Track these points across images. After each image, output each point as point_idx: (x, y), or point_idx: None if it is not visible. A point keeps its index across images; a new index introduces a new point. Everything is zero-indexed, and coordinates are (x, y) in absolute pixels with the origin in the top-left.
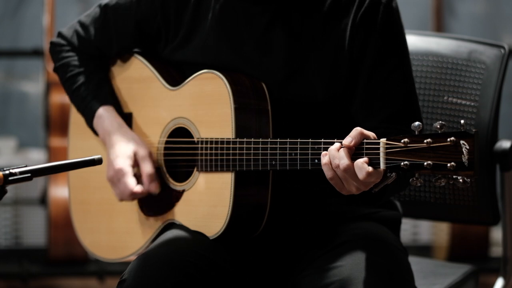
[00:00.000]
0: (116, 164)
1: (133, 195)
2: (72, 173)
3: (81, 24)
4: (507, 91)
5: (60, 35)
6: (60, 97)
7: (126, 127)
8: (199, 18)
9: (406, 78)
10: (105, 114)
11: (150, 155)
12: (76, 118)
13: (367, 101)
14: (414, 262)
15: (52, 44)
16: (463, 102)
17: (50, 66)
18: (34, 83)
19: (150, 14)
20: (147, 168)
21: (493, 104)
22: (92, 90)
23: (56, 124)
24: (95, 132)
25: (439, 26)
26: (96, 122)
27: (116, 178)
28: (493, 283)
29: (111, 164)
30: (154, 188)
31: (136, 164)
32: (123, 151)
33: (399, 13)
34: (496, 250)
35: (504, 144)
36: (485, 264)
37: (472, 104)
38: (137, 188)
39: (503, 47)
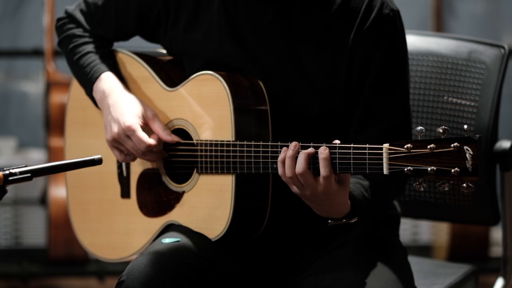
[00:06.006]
0: (124, 120)
1: (148, 148)
2: (70, 173)
3: (85, 1)
4: (507, 91)
5: (65, 12)
6: (60, 97)
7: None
8: (201, 9)
9: (406, 94)
10: (111, 78)
11: (158, 115)
12: (72, 117)
13: (366, 114)
14: (414, 262)
15: (58, 20)
16: (463, 102)
17: (50, 66)
18: (34, 83)
19: (151, 1)
20: (159, 125)
21: (493, 104)
22: (99, 58)
23: (56, 124)
24: (92, 100)
25: (439, 26)
26: (98, 84)
27: (123, 135)
28: (493, 283)
29: (115, 121)
30: (176, 137)
31: (144, 125)
32: (131, 109)
33: (403, 27)
34: (496, 250)
35: (504, 144)
36: (485, 264)
37: (472, 104)
38: (152, 141)
39: (503, 47)
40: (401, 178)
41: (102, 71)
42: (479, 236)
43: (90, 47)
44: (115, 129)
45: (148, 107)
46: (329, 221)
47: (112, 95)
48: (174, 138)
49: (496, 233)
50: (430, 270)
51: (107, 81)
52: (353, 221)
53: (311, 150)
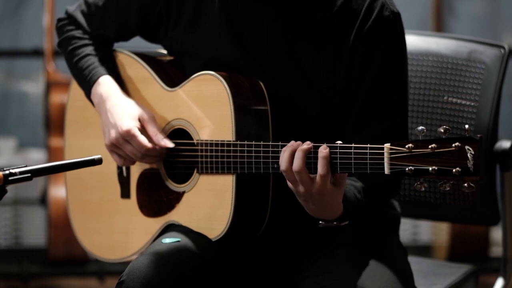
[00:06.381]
0: (122, 125)
1: (148, 151)
2: (70, 173)
3: (86, 1)
4: (507, 91)
5: (66, 12)
6: (60, 97)
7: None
8: (202, 9)
9: (405, 94)
10: (109, 81)
11: (155, 118)
12: (72, 117)
13: (366, 113)
14: (414, 262)
15: (58, 20)
16: (463, 102)
17: (50, 66)
18: (34, 83)
19: (152, 1)
20: (154, 129)
21: (493, 104)
22: (98, 60)
23: (56, 124)
24: (91, 102)
25: (439, 26)
26: (96, 88)
27: (122, 140)
28: (493, 283)
29: (113, 126)
30: (169, 143)
31: (141, 127)
32: (128, 112)
33: (403, 28)
34: (496, 250)
35: (504, 144)
36: (485, 264)
37: (472, 104)
38: (151, 144)
39: (503, 47)
40: (395, 178)
41: (100, 75)
42: (479, 236)
43: (89, 49)
44: (113, 133)
45: (146, 109)
46: (320, 222)
47: (110, 99)
48: (167, 144)
49: (496, 233)
50: (430, 270)
51: (105, 85)
52: (344, 224)
53: (307, 146)
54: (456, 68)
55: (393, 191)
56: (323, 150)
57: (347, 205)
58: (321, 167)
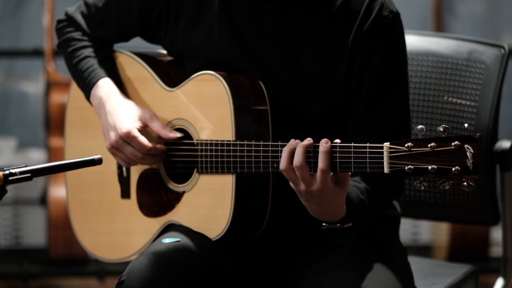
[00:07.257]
0: (122, 127)
1: (149, 151)
2: (70, 173)
3: (85, 2)
4: (507, 91)
5: (65, 14)
6: (60, 97)
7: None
8: (202, 9)
9: (406, 95)
10: (108, 84)
11: (156, 115)
12: (72, 117)
13: (366, 114)
14: (414, 262)
15: (58, 22)
16: (463, 102)
17: (50, 66)
18: (34, 83)
19: (152, 1)
20: (159, 125)
21: (493, 104)
22: (97, 62)
23: (56, 124)
24: (91, 104)
25: (439, 26)
26: (95, 91)
27: (122, 142)
28: (493, 283)
29: (113, 128)
30: (178, 134)
31: (143, 127)
32: (127, 114)
33: (402, 28)
34: (496, 250)
35: (504, 144)
36: (485, 264)
37: (472, 104)
38: (152, 144)
39: (503, 47)
40: (399, 178)
41: (99, 77)
42: (479, 236)
43: (88, 51)
44: (113, 136)
45: (146, 109)
46: (324, 224)
47: (109, 101)
48: (176, 134)
49: (496, 233)
50: (430, 270)
51: (105, 88)
52: (347, 226)
53: (308, 142)
54: (456, 68)
55: (397, 192)
56: (324, 144)
57: (351, 207)
58: (321, 162)
